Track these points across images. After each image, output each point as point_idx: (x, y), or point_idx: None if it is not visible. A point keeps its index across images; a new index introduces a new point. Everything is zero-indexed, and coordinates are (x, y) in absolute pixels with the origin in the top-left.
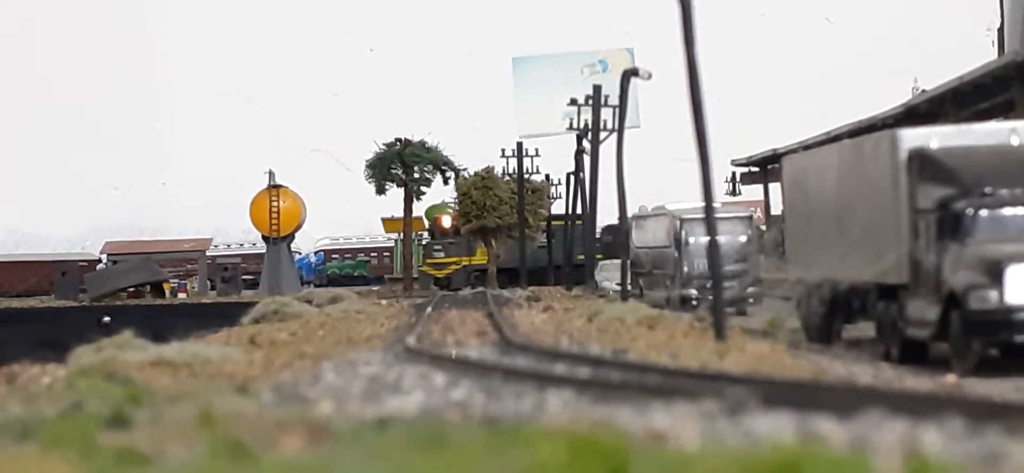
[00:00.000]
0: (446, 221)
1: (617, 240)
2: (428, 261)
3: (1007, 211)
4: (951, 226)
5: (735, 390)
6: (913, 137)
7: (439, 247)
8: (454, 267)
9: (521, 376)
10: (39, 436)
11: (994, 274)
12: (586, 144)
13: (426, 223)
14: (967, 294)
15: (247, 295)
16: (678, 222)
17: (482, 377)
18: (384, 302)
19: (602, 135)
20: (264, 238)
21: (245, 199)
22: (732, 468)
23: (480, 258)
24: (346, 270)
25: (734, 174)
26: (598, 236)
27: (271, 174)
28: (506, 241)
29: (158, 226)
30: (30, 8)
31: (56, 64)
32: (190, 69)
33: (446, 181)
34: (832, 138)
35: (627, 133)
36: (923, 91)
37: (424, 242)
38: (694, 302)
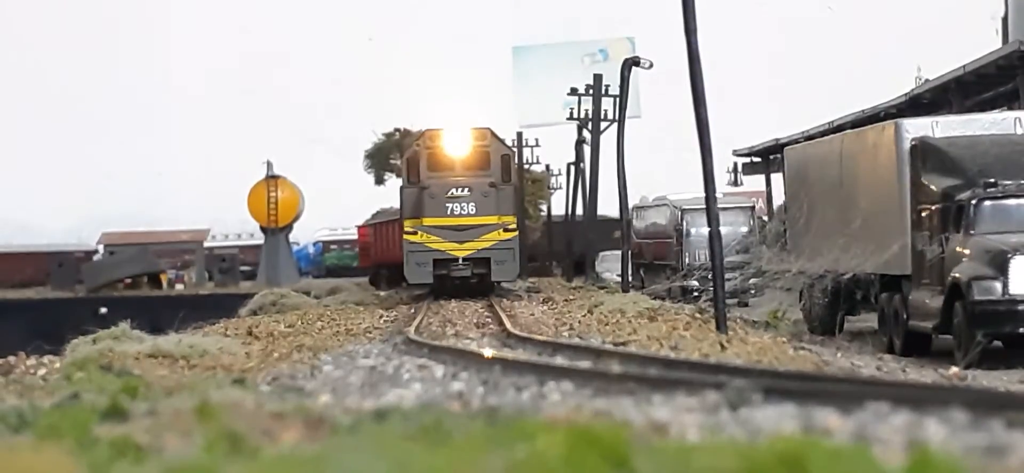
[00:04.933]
0: None
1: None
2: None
3: (1011, 202)
4: (955, 216)
5: (737, 382)
6: (916, 127)
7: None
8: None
9: (521, 368)
10: (35, 427)
11: (998, 265)
12: (587, 134)
13: None
14: (971, 285)
15: (245, 286)
16: (679, 213)
17: (481, 369)
18: (383, 293)
19: (603, 125)
20: (262, 229)
21: (243, 189)
22: (733, 460)
23: None
24: (345, 261)
25: (736, 164)
26: None
27: (269, 164)
28: None
29: (155, 217)
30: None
31: (53, 54)
32: (187, 59)
33: None
34: (835, 128)
35: (628, 123)
36: (926, 80)
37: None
38: (696, 293)
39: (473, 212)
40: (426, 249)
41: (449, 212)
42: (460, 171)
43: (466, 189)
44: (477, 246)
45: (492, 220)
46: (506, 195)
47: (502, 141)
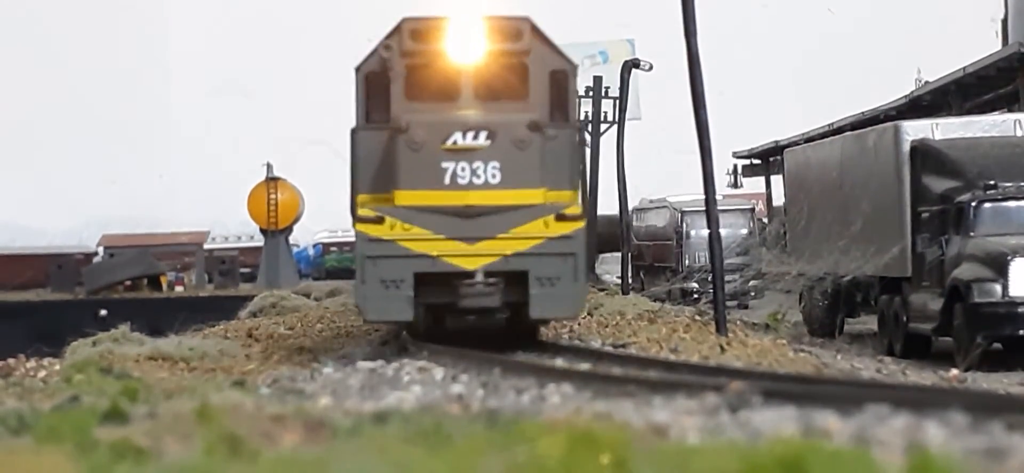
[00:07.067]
0: None
1: None
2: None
3: (1011, 204)
4: (954, 219)
5: (737, 384)
6: (916, 129)
7: None
8: None
9: (520, 370)
10: (35, 430)
11: (998, 267)
12: (586, 135)
13: None
14: (971, 287)
15: (245, 288)
16: (679, 214)
17: (481, 371)
18: None
19: (603, 126)
20: (262, 231)
21: (243, 191)
22: (734, 462)
23: None
24: (345, 263)
25: (735, 166)
26: None
27: (269, 166)
28: None
29: (155, 219)
30: (28, 2)
31: (53, 57)
32: (188, 61)
33: None
34: (834, 130)
35: (628, 125)
36: (926, 82)
37: None
38: (695, 295)
39: (496, 180)
40: (399, 254)
41: (448, 179)
42: (469, 99)
43: (482, 134)
44: (502, 249)
45: (533, 197)
46: (560, 148)
47: (551, 45)
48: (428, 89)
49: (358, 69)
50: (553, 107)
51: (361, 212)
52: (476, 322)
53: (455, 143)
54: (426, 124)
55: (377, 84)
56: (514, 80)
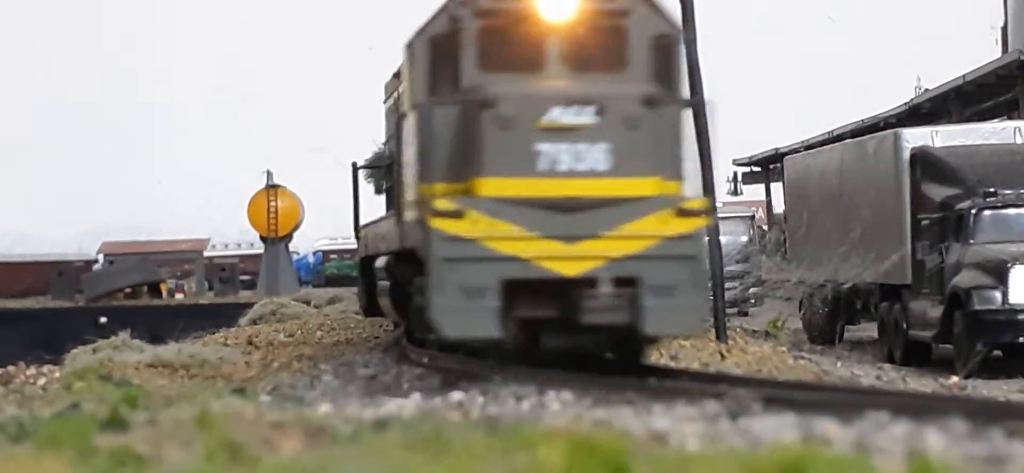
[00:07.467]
0: None
1: None
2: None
3: (1011, 211)
4: (954, 226)
5: (737, 391)
6: (916, 136)
7: None
8: None
9: (521, 377)
10: (35, 437)
11: (998, 274)
12: None
13: None
14: (971, 294)
15: (245, 296)
16: None
17: (480, 378)
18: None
19: None
20: (262, 238)
21: (243, 199)
22: (734, 469)
23: None
24: (345, 270)
25: (735, 174)
26: None
27: (269, 174)
28: None
29: (155, 226)
30: (27, 8)
31: (53, 64)
32: (187, 69)
33: None
34: (834, 137)
35: None
36: (926, 90)
37: None
38: None
39: (604, 167)
40: (484, 256)
41: (543, 164)
42: (557, 68)
43: (588, 109)
44: (608, 251)
45: (646, 187)
46: (670, 128)
47: (655, 5)
48: (508, 56)
49: (421, 32)
50: (656, 79)
51: (437, 204)
52: (584, 342)
53: (553, 119)
54: (517, 97)
55: (444, 50)
56: (611, 45)
